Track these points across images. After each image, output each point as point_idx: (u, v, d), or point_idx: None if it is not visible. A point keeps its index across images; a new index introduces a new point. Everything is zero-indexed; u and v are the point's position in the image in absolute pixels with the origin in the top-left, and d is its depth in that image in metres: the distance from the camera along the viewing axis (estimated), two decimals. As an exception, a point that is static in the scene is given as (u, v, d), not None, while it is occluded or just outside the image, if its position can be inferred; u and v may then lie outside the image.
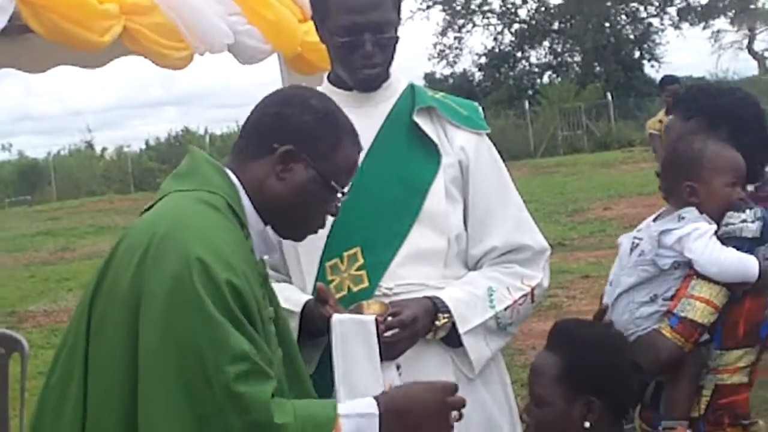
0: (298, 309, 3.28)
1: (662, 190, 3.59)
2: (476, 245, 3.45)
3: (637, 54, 52.62)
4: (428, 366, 3.31)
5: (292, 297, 3.29)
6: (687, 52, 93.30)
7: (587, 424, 3.08)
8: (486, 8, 54.78)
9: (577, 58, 53.30)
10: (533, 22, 54.20)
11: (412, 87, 3.58)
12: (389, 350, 3.10)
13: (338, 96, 3.47)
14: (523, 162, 33.58)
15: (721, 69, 52.77)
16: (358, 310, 3.16)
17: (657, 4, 52.97)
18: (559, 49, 54.35)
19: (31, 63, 6.24)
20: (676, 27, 52.92)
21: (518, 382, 3.70)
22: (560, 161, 36.01)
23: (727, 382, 3.37)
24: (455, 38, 55.04)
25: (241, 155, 2.82)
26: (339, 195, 2.83)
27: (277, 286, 3.02)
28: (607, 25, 51.74)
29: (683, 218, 3.36)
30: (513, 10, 54.76)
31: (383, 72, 3.47)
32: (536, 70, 55.16)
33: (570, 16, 52.23)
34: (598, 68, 51.06)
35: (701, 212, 3.37)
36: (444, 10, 54.39)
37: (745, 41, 50.53)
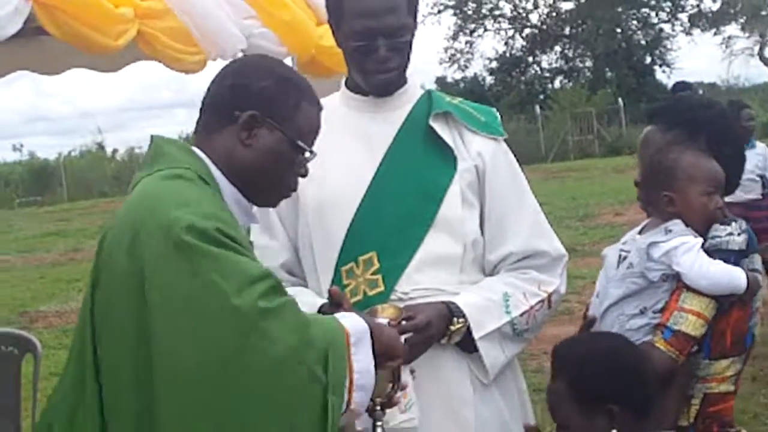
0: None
1: (641, 201, 3.65)
2: (493, 251, 3.44)
3: (648, 59, 52.70)
4: (444, 371, 3.31)
5: (306, 301, 3.28)
6: (698, 58, 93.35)
7: None
8: (497, 13, 54.88)
9: (589, 64, 53.37)
10: (544, 27, 54.27)
11: (429, 93, 3.57)
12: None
13: (355, 101, 3.48)
14: (534, 167, 33.53)
15: (732, 75, 52.89)
16: (372, 314, 3.15)
17: (668, 10, 53.01)
18: (570, 54, 54.43)
19: (45, 65, 6.26)
20: (688, 33, 53.01)
21: (531, 386, 3.69)
22: (571, 166, 36.00)
23: (715, 391, 3.42)
24: (466, 43, 55.21)
25: (205, 131, 2.82)
26: (307, 155, 2.84)
27: (292, 290, 3.01)
28: (618, 30, 51.79)
29: (670, 231, 3.40)
30: (524, 15, 54.85)
31: (398, 77, 3.46)
32: (547, 74, 55.25)
33: (581, 22, 52.31)
34: (609, 73, 51.14)
35: (684, 223, 3.40)
36: (455, 15, 54.51)
37: (757, 47, 50.35)
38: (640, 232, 3.54)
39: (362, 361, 2.59)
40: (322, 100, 3.65)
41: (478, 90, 51.22)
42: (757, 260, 3.55)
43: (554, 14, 54.43)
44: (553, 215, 19.90)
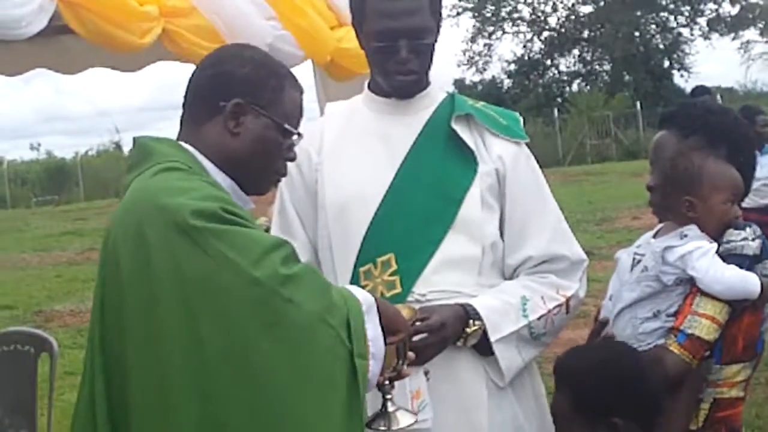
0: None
1: (655, 205, 3.65)
2: (512, 254, 3.43)
3: (666, 64, 52.66)
4: (459, 373, 3.30)
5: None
6: (716, 63, 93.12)
7: None
8: (516, 16, 54.94)
9: (607, 67, 53.37)
10: (563, 30, 54.26)
11: (452, 96, 3.56)
12: (417, 355, 3.02)
13: (377, 103, 3.48)
14: (551, 170, 33.50)
15: (750, 79, 52.75)
16: None
17: (687, 14, 52.94)
18: (588, 58, 54.43)
19: (64, 64, 6.27)
20: (706, 37, 52.99)
21: (546, 390, 3.69)
22: (588, 170, 35.98)
23: (726, 396, 3.40)
24: (485, 45, 55.29)
25: (190, 125, 2.83)
26: (294, 138, 2.85)
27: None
28: (636, 34, 51.74)
29: (686, 236, 3.39)
30: (543, 18, 54.86)
31: (420, 79, 3.45)
32: (565, 78, 55.26)
33: (600, 25, 52.29)
34: (627, 77, 51.11)
35: (700, 228, 3.40)
36: (474, 17, 54.58)
37: (775, 52, 50.30)
38: (654, 236, 3.53)
39: (373, 330, 2.60)
40: (344, 103, 3.66)
41: (496, 93, 51.24)
42: (771, 266, 3.55)
43: (573, 17, 54.43)
44: (570, 219, 19.57)
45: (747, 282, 3.31)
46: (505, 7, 54.58)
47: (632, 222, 20.08)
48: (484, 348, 3.31)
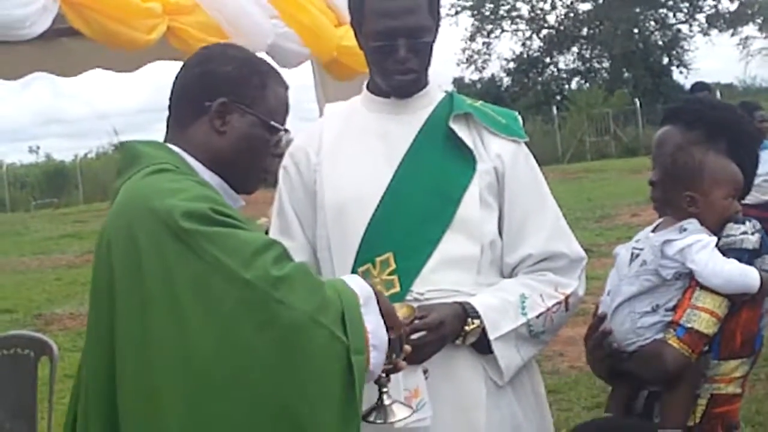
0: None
1: (655, 200, 3.63)
2: (511, 253, 3.43)
3: (665, 60, 52.67)
4: (457, 372, 3.30)
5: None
6: (715, 59, 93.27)
7: None
8: (514, 14, 54.96)
9: (606, 64, 53.39)
10: (562, 27, 54.28)
11: (450, 95, 3.56)
12: (415, 354, 3.01)
13: (375, 103, 3.48)
14: (550, 167, 33.51)
15: (749, 75, 52.79)
16: None
17: (686, 10, 52.96)
18: (587, 55, 54.46)
19: (63, 67, 6.27)
20: (705, 33, 53.01)
21: (545, 388, 3.68)
22: (588, 167, 35.99)
23: (723, 392, 3.38)
24: (484, 44, 55.30)
25: (176, 126, 2.84)
26: (281, 134, 2.86)
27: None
28: (635, 31, 51.77)
29: (685, 230, 3.38)
30: (542, 16, 54.89)
31: (419, 78, 3.45)
32: (564, 75, 55.26)
33: (599, 22, 52.31)
34: (626, 74, 51.12)
35: (700, 223, 3.39)
36: (472, 16, 54.60)
37: (774, 48, 50.32)
38: (653, 231, 3.53)
39: (373, 322, 2.60)
40: (343, 104, 3.65)
41: (495, 91, 51.22)
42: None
43: (572, 15, 54.45)
44: (569, 216, 19.70)
45: (746, 276, 3.30)
46: (503, 5, 54.60)
47: (632, 219, 20.10)
48: (483, 346, 3.31)
